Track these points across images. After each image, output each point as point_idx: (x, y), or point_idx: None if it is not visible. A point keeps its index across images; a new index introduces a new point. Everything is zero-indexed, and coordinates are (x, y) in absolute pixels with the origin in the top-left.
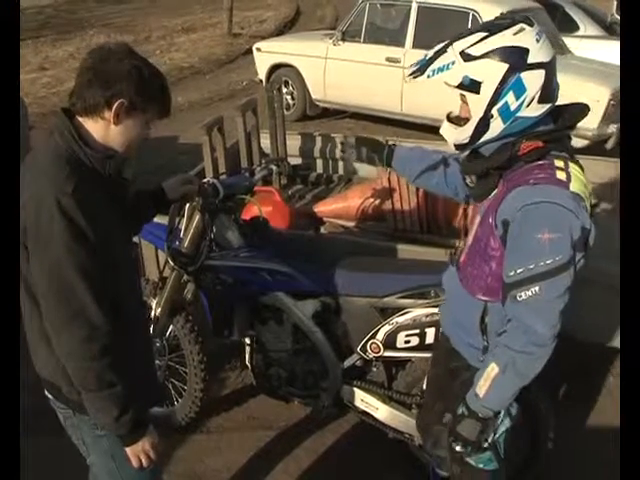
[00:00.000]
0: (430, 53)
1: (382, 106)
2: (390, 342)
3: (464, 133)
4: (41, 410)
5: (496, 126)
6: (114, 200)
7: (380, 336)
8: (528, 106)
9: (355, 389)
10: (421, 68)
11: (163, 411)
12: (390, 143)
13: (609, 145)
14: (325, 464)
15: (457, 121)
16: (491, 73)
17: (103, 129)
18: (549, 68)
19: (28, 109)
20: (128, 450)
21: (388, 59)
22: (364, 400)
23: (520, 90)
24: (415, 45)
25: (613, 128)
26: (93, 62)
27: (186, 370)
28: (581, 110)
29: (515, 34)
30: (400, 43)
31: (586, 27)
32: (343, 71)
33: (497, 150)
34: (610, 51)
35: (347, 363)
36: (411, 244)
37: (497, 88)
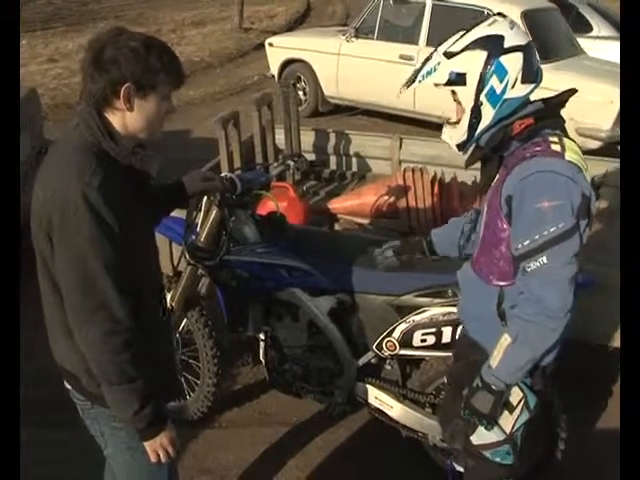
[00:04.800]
0: (420, 64)
1: (395, 103)
2: (406, 340)
3: (461, 129)
4: (45, 403)
5: (487, 112)
6: (138, 193)
7: (396, 334)
8: (513, 87)
9: (369, 387)
10: (412, 77)
11: (175, 405)
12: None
13: None
14: (337, 460)
15: (454, 123)
16: (473, 62)
17: (120, 119)
18: (526, 50)
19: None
20: (146, 445)
21: (402, 57)
22: (378, 398)
23: (502, 73)
24: (429, 43)
25: None
26: (91, 55)
27: (199, 364)
28: (569, 92)
29: (489, 25)
30: (414, 41)
31: (600, 28)
32: (356, 68)
33: (492, 135)
34: None
35: (362, 360)
36: None
37: (481, 74)
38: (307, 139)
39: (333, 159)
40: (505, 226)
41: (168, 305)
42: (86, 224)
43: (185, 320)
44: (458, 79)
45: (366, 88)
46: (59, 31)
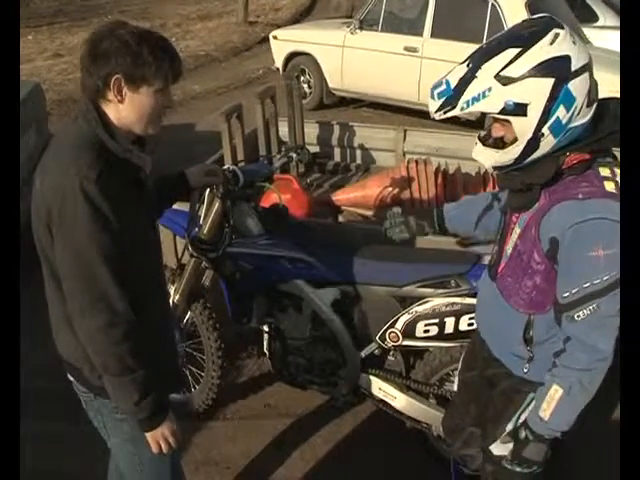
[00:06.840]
0: (453, 80)
1: (399, 95)
2: (409, 331)
3: (508, 155)
4: (55, 394)
5: (547, 143)
6: (137, 185)
7: (399, 325)
8: (579, 114)
9: (373, 378)
10: (450, 101)
11: (180, 397)
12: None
13: None
14: (341, 452)
15: (495, 143)
16: (537, 92)
17: (114, 111)
18: (590, 68)
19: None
20: (147, 435)
21: (406, 48)
22: (382, 389)
23: (570, 101)
24: (433, 34)
25: None
26: (87, 48)
27: (203, 357)
28: (615, 104)
29: (552, 43)
30: (418, 32)
31: (605, 18)
32: (360, 60)
33: (538, 165)
34: None
35: (365, 352)
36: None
37: (546, 106)
38: (311, 131)
39: (337, 151)
40: (542, 259)
41: (171, 298)
42: (84, 217)
43: (189, 313)
44: (517, 110)
45: (371, 80)
46: (64, 26)
